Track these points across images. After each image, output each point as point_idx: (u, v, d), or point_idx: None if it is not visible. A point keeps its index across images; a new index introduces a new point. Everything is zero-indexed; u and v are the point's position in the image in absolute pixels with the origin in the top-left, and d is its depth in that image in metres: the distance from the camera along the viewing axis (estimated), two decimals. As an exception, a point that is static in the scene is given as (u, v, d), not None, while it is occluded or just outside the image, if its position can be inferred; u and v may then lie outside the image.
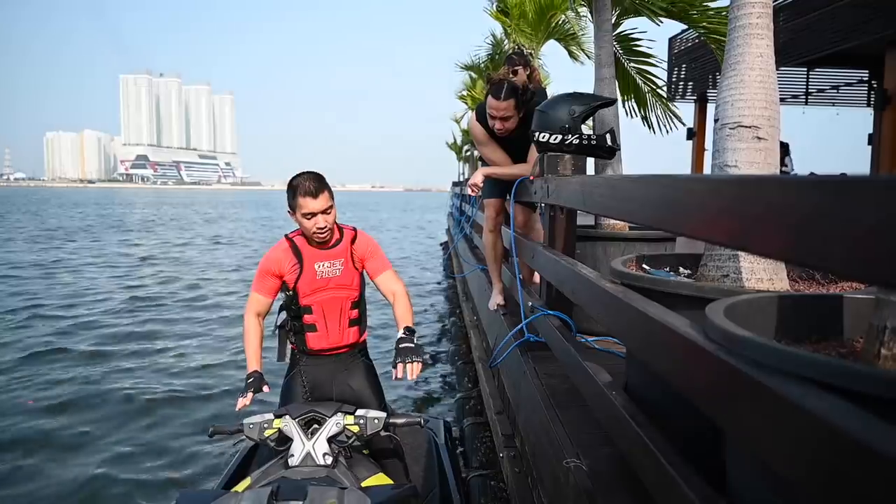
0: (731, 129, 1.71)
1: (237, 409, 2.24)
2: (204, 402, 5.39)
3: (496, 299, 3.92)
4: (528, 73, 4.93)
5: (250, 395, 2.24)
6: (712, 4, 3.13)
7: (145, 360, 6.56)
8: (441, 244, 20.71)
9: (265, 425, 1.97)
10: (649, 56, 3.68)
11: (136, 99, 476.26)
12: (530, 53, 6.72)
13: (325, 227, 2.27)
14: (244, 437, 1.96)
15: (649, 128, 3.90)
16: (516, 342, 2.90)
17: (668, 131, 3.86)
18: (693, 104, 13.16)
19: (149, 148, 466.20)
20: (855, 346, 1.30)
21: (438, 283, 12.34)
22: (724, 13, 2.89)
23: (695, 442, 1.38)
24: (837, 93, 13.96)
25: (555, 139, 2.77)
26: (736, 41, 1.73)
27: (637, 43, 3.66)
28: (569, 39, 6.67)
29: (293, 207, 2.26)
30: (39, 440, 4.53)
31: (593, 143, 2.77)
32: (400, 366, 2.15)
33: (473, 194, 3.52)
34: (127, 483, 3.96)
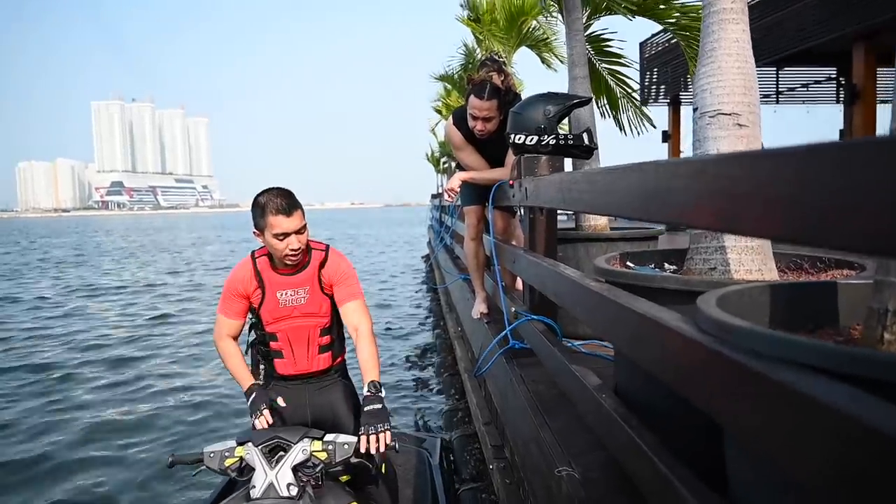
0: (710, 117, 1.66)
1: (261, 427, 1.99)
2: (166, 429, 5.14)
3: (479, 308, 3.84)
4: (501, 78, 4.91)
5: (266, 410, 2.03)
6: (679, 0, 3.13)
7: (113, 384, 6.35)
8: (423, 257, 20.64)
9: (226, 454, 1.81)
10: (620, 56, 3.67)
11: (109, 125, 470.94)
12: (504, 60, 6.71)
13: (299, 248, 2.06)
14: (204, 466, 1.81)
15: (621, 129, 3.86)
16: (501, 350, 2.82)
17: (639, 133, 3.83)
18: (667, 107, 13.34)
19: (124, 174, 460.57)
20: (852, 333, 1.24)
21: (420, 295, 12.24)
22: (691, 12, 2.87)
23: (691, 442, 1.31)
24: (807, 91, 14.25)
25: (531, 140, 2.71)
26: (711, 27, 1.69)
27: (608, 44, 3.65)
28: (541, 46, 6.67)
29: (260, 227, 2.03)
30: None
31: (570, 142, 2.72)
32: (364, 438, 1.86)
33: (450, 200, 3.46)
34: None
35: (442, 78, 10.16)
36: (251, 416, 2.06)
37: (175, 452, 1.92)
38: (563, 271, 1.94)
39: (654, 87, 13.32)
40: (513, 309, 2.72)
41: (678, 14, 2.93)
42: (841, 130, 13.28)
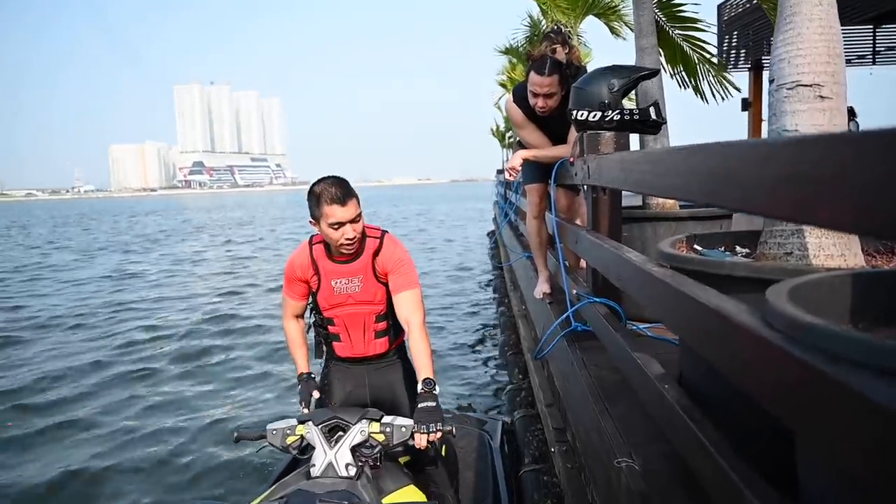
0: (788, 89, 1.53)
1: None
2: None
3: (542, 287, 3.78)
4: (566, 51, 4.74)
5: (316, 393, 2.29)
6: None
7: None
8: (488, 233, 20.55)
9: (288, 431, 1.87)
10: (696, 21, 3.44)
11: (191, 107, 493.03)
12: (569, 31, 6.48)
13: (355, 237, 2.07)
14: (267, 443, 1.89)
15: (702, 97, 3.61)
16: (563, 332, 2.77)
17: (723, 98, 3.56)
18: (747, 73, 12.52)
19: (204, 154, 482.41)
20: (948, 328, 1.12)
21: (485, 271, 12.22)
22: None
23: (760, 441, 1.24)
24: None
25: (594, 116, 2.60)
26: (791, -10, 1.54)
27: (681, 8, 3.43)
28: (609, 14, 6.38)
29: (316, 217, 2.05)
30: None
31: (636, 117, 2.60)
32: (418, 436, 1.87)
33: (512, 178, 3.39)
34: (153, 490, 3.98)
35: (507, 51, 9.94)
36: (300, 403, 2.25)
37: (240, 427, 2.01)
38: (626, 255, 1.86)
39: (733, 51, 12.50)
40: (574, 291, 2.64)
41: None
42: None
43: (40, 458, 4.37)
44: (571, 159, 2.75)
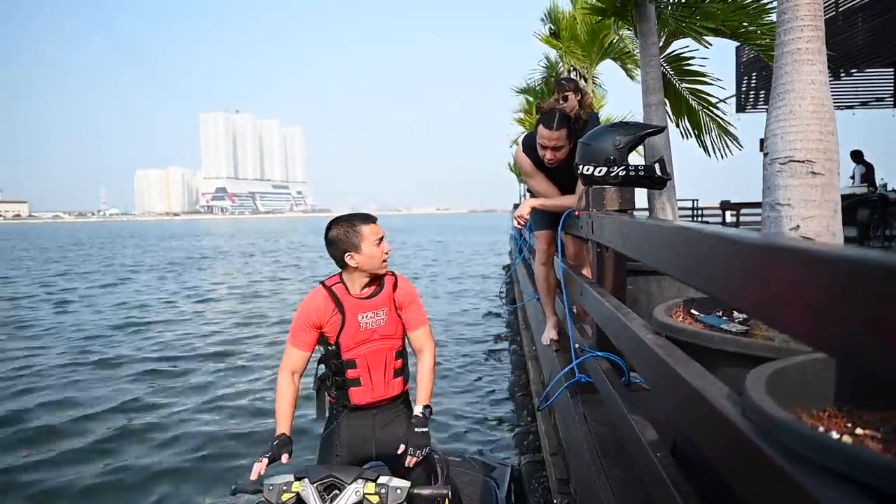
0: (781, 164, 1.56)
1: (252, 478, 1.97)
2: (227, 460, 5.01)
3: (549, 333, 3.78)
4: (578, 98, 4.82)
5: (265, 461, 2.02)
6: (768, 19, 2.93)
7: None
8: (504, 267, 20.53)
9: (284, 488, 1.87)
10: (702, 75, 3.49)
11: (215, 135, 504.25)
12: (583, 76, 6.60)
13: (389, 251, 2.27)
14: (264, 498, 1.89)
15: (704, 150, 3.65)
16: (567, 383, 2.77)
17: (723, 156, 3.58)
18: (765, 113, 12.55)
19: (227, 180, 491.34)
20: (931, 414, 1.12)
21: (499, 306, 12.19)
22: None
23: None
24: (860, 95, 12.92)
25: (599, 172, 2.65)
26: (784, 68, 1.59)
27: (689, 62, 3.49)
28: (624, 58, 6.49)
29: (355, 244, 2.14)
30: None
31: (641, 173, 2.63)
32: (409, 458, 2.11)
33: (519, 227, 3.43)
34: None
35: (523, 91, 10.11)
36: (258, 457, 2.05)
37: (238, 481, 1.99)
38: (625, 317, 1.88)
39: (752, 91, 12.57)
40: (578, 345, 2.66)
41: (764, 35, 2.75)
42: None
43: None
44: (577, 212, 2.79)
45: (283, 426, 2.18)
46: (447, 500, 2.47)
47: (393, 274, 2.33)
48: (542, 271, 3.67)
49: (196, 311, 12.65)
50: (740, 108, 12.49)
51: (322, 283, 2.28)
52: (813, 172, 1.52)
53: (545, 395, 3.08)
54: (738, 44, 12.05)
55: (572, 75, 7.23)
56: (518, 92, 10.30)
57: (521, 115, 12.32)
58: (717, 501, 1.30)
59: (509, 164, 18.82)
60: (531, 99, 10.39)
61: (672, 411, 1.28)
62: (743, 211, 16.46)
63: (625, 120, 6.44)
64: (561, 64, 7.72)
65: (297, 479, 1.88)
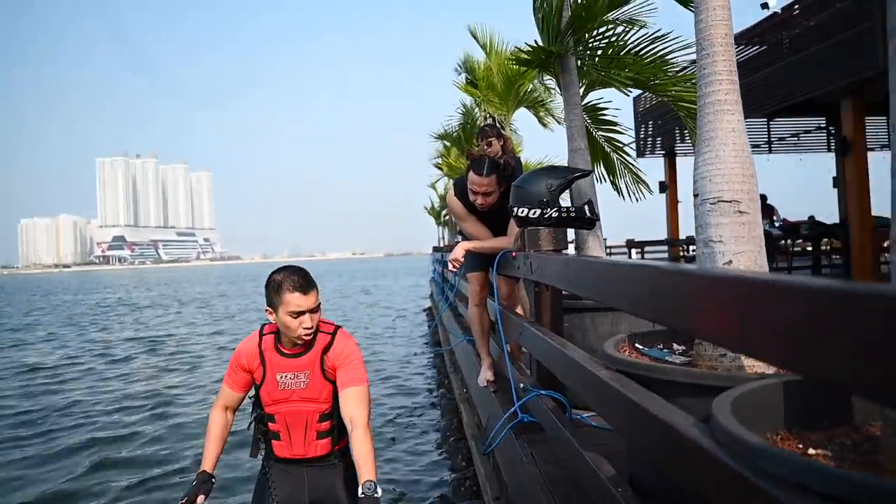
0: (711, 204, 1.69)
1: None
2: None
3: (486, 375, 3.81)
4: (501, 143, 5.02)
5: None
6: (673, 71, 3.22)
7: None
8: (424, 310, 20.52)
9: None
10: (616, 124, 3.75)
11: (113, 181, 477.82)
12: (501, 123, 6.87)
13: (312, 327, 2.06)
14: None
15: (619, 193, 3.92)
16: (510, 425, 2.78)
17: (636, 200, 3.86)
18: (662, 158, 13.55)
19: (126, 228, 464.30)
20: (871, 430, 1.23)
21: (422, 350, 12.13)
22: (688, 82, 2.96)
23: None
24: (798, 140, 14.52)
25: (534, 213, 2.75)
26: (707, 117, 1.74)
27: (603, 112, 3.74)
28: (538, 106, 6.84)
29: (275, 305, 2.02)
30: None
31: (572, 214, 2.76)
32: None
33: (454, 270, 3.47)
34: None
35: (441, 136, 10.38)
36: (181, 499, 2.09)
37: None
38: (572, 354, 1.93)
39: (649, 139, 13.58)
40: (521, 385, 2.69)
41: (675, 89, 3.01)
42: (834, 178, 13.49)
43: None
44: (514, 253, 2.87)
45: (206, 463, 2.20)
46: None
47: (332, 333, 2.18)
48: (475, 312, 3.72)
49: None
50: (640, 154, 13.45)
51: (261, 328, 2.22)
52: (740, 211, 1.66)
53: (489, 440, 3.07)
54: (637, 95, 13.04)
55: (490, 122, 7.52)
56: (436, 138, 10.55)
57: (439, 160, 12.60)
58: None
59: (426, 208, 19.05)
60: (448, 144, 10.67)
61: (640, 444, 1.32)
62: (647, 248, 17.48)
63: (542, 164, 6.75)
64: (478, 110, 8.02)
65: None
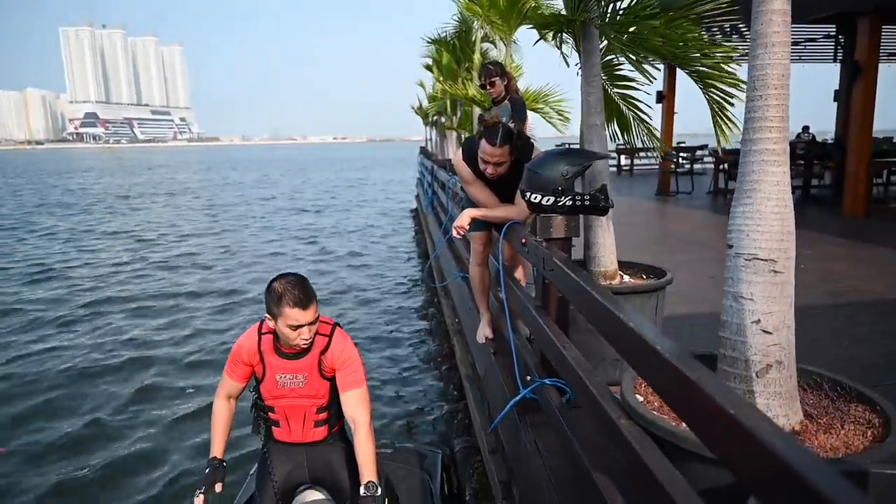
0: (746, 259, 1.65)
1: None
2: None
3: (484, 331, 3.88)
4: (504, 82, 4.78)
5: (202, 497, 2.20)
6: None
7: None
8: (410, 210, 20.47)
9: None
10: (632, 80, 3.56)
11: (80, 53, 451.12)
12: (503, 40, 6.50)
13: (310, 338, 2.12)
14: None
15: (632, 163, 3.77)
16: (511, 402, 2.87)
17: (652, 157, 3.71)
18: (663, 68, 13.07)
19: (97, 105, 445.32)
20: None
21: (409, 258, 12.27)
22: (720, 62, 2.77)
23: None
24: (803, 48, 14.02)
25: (547, 201, 2.67)
26: (752, 166, 1.65)
27: (619, 67, 3.54)
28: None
29: (274, 315, 2.06)
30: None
31: (587, 202, 2.69)
32: None
33: (458, 236, 3.42)
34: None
35: (434, 41, 9.81)
36: (197, 491, 2.21)
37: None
38: (574, 362, 2.00)
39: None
40: (528, 378, 2.75)
41: (704, 64, 2.80)
42: (836, 91, 13.19)
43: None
44: (524, 240, 2.82)
45: (216, 449, 2.31)
46: (386, 501, 2.59)
47: (329, 334, 2.23)
48: (477, 272, 3.71)
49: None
50: (639, 62, 12.96)
51: (259, 326, 2.25)
52: (774, 271, 1.62)
53: (496, 422, 3.18)
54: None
55: (490, 39, 7.09)
56: (429, 42, 9.98)
57: (429, 61, 12.03)
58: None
59: (413, 107, 18.42)
60: (441, 49, 10.13)
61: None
62: (638, 155, 17.29)
63: (543, 93, 6.47)
64: (475, 21, 7.53)
65: None
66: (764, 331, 1.64)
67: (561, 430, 2.27)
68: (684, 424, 1.67)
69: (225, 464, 2.34)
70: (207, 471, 2.27)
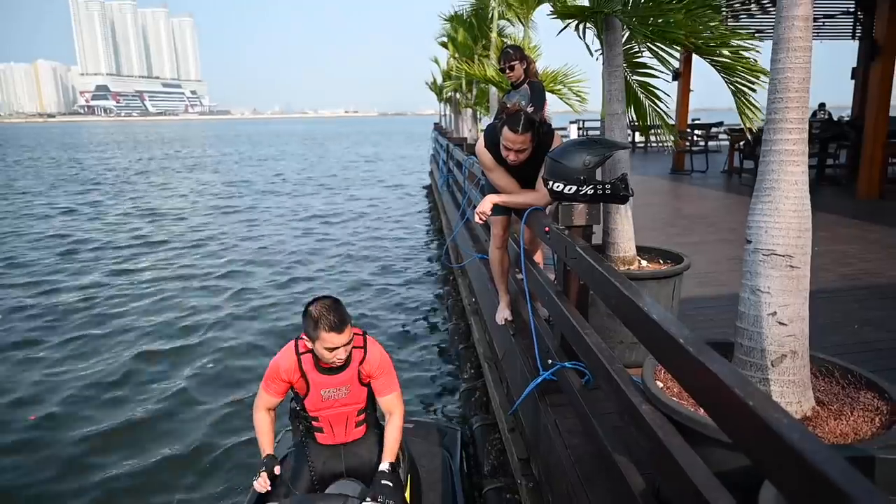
0: (764, 255, 1.74)
1: (257, 490, 2.37)
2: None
3: (503, 314, 3.99)
4: (524, 66, 4.82)
5: (264, 475, 2.36)
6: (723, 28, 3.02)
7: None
8: (424, 187, 20.52)
9: None
10: (651, 67, 3.59)
11: (90, 25, 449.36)
12: (520, 20, 6.49)
13: (345, 358, 2.31)
14: None
15: (646, 140, 3.83)
16: (532, 384, 2.99)
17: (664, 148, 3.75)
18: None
19: (108, 77, 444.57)
20: None
21: (423, 235, 12.39)
22: (740, 51, 2.81)
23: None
24: (823, 25, 13.76)
25: (569, 190, 2.75)
26: (771, 165, 1.73)
27: (639, 55, 3.57)
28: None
29: (312, 338, 2.26)
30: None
31: (608, 191, 2.77)
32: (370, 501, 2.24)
33: (480, 223, 3.51)
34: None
35: (450, 19, 9.77)
36: (255, 476, 2.38)
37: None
38: (595, 348, 2.11)
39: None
40: (549, 361, 2.86)
41: (724, 53, 2.84)
42: (853, 69, 12.99)
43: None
44: (547, 229, 2.90)
45: (266, 449, 2.47)
46: (409, 477, 2.75)
47: (363, 346, 2.43)
48: (496, 255, 3.81)
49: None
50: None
51: (296, 345, 2.41)
52: (791, 266, 1.71)
53: (516, 405, 3.31)
54: None
55: (507, 17, 7.07)
56: (446, 20, 9.95)
57: (444, 39, 11.97)
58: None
59: (427, 83, 18.32)
60: (457, 26, 10.08)
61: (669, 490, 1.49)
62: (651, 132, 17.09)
63: (561, 74, 6.47)
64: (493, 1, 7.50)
65: None
66: (780, 322, 1.74)
67: (581, 412, 2.40)
68: (702, 411, 1.79)
69: (277, 458, 2.49)
70: (265, 460, 2.42)
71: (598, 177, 2.87)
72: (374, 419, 2.65)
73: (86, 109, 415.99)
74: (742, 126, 3.02)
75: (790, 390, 1.75)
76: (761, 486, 1.38)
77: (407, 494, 2.60)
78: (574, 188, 2.76)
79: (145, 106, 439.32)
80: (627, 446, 2.03)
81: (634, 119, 3.79)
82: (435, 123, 23.02)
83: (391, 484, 2.31)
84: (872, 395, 1.81)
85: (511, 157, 3.19)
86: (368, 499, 2.26)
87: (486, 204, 3.42)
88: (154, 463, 4.46)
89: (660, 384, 1.92)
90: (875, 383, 1.84)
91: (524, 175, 3.41)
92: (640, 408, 1.75)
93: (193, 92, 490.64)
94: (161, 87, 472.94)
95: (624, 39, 3.18)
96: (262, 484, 2.35)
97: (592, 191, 2.76)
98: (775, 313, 1.74)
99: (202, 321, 7.40)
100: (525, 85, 4.78)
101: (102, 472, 4.36)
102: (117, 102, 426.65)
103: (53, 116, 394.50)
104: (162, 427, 4.98)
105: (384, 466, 2.39)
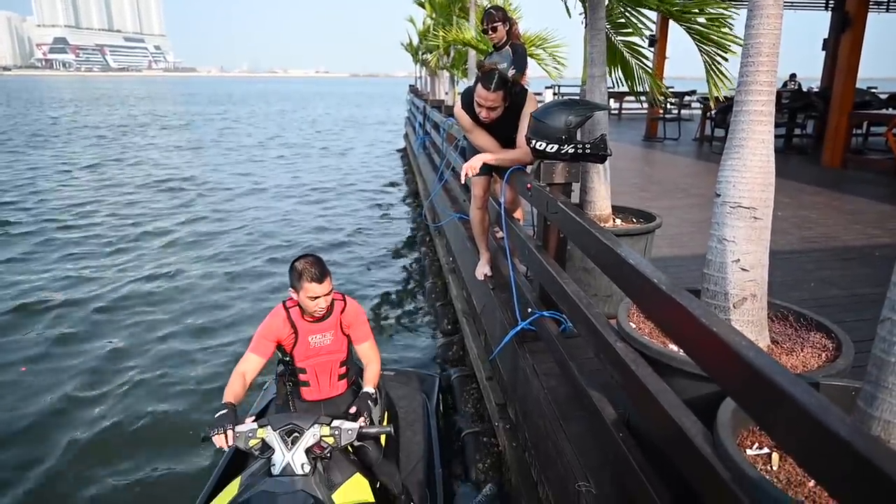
0: (731, 207, 1.90)
1: (216, 444, 2.14)
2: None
3: (483, 269, 4.15)
4: (507, 28, 4.87)
5: (221, 437, 2.14)
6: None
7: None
8: (398, 150, 20.43)
9: (250, 435, 2.16)
10: (636, 27, 3.70)
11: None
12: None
13: (325, 307, 2.55)
14: (232, 443, 2.14)
15: (637, 98, 3.99)
16: (512, 332, 3.17)
17: (655, 105, 3.88)
18: (657, 14, 12.97)
19: (66, 29, 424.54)
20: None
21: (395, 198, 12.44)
22: (715, 20, 2.94)
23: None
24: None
25: (551, 148, 2.88)
26: (741, 125, 1.88)
27: (621, 16, 3.67)
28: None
29: (297, 288, 2.49)
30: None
31: (587, 150, 2.90)
32: (354, 408, 2.49)
33: (466, 177, 3.60)
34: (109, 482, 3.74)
35: (430, -22, 9.67)
36: (211, 428, 2.16)
37: (208, 428, 2.16)
38: (573, 295, 2.27)
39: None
40: (529, 310, 3.03)
41: (699, 21, 2.96)
42: (825, 40, 13.26)
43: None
44: (529, 186, 3.03)
45: (229, 396, 2.35)
46: (386, 414, 2.95)
47: (343, 299, 2.70)
48: (477, 215, 3.93)
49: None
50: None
51: (284, 304, 2.63)
52: (755, 217, 1.88)
53: (496, 352, 3.48)
54: None
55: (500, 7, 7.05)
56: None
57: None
58: (663, 462, 1.75)
59: (402, 44, 18.07)
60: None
61: (636, 409, 1.68)
62: (626, 99, 17.33)
63: (543, 37, 6.52)
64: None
65: (261, 426, 2.19)
66: (742, 269, 1.92)
67: (559, 357, 2.58)
68: (672, 346, 1.98)
69: (237, 413, 2.30)
70: (223, 413, 2.22)
71: (579, 137, 3.01)
72: (353, 377, 2.86)
73: (43, 63, 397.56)
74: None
75: (749, 329, 1.94)
76: (718, 408, 1.56)
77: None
78: (556, 147, 2.89)
79: (106, 61, 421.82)
80: (602, 386, 2.21)
81: (622, 77, 3.91)
82: (410, 86, 22.77)
83: (372, 405, 2.54)
84: (821, 336, 2.01)
85: (483, 113, 3.30)
86: (351, 411, 2.46)
87: (478, 160, 3.53)
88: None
89: (633, 325, 2.09)
90: (824, 325, 2.04)
91: (501, 135, 3.52)
92: (615, 345, 1.92)
93: (157, 47, 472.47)
94: (123, 42, 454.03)
95: (606, 1, 3.27)
96: (221, 440, 2.14)
97: (573, 149, 2.90)
98: (738, 260, 1.91)
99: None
100: (507, 47, 4.84)
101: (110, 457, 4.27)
102: (77, 56, 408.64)
103: (9, 70, 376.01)
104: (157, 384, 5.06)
105: (368, 389, 2.61)
